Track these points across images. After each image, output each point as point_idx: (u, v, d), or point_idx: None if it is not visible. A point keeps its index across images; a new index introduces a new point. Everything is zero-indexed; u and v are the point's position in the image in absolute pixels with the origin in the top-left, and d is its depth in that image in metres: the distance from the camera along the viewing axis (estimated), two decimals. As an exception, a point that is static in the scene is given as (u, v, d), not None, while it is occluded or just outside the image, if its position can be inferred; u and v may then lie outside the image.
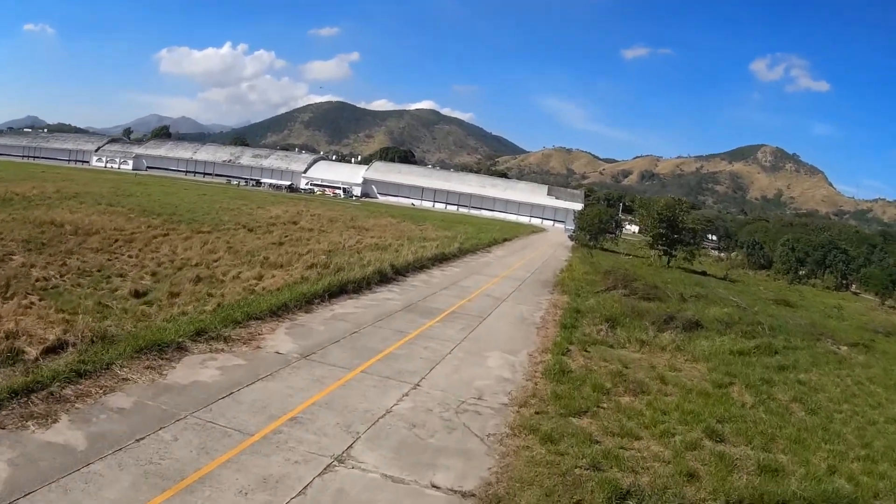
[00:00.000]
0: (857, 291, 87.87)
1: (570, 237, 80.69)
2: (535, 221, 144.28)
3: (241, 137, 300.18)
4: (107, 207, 46.11)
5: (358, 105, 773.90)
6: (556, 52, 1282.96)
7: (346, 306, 22.32)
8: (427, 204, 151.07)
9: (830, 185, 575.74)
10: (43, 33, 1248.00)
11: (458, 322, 22.14)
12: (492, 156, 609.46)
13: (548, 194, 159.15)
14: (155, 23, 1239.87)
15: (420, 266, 34.11)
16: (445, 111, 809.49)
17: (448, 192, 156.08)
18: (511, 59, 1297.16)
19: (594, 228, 75.60)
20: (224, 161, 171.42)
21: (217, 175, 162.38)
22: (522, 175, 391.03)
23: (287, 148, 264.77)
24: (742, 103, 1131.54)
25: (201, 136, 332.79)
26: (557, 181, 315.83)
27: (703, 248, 78.17)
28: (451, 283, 30.61)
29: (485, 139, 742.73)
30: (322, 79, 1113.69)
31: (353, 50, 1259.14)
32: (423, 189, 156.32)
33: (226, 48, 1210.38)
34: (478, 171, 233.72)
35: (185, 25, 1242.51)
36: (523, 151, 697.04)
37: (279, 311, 19.49)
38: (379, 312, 21.80)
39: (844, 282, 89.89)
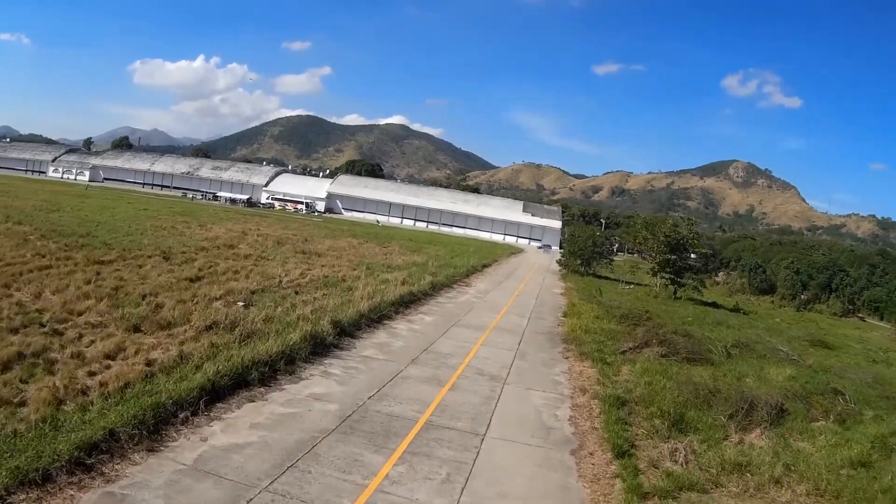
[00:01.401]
0: (863, 316, 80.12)
1: (558, 262, 70.90)
2: (510, 240, 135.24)
3: (209, 151, 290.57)
4: (9, 227, 37.53)
5: (329, 119, 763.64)
6: (528, 67, 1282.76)
7: (234, 426, 12.33)
8: (395, 220, 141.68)
9: (803, 200, 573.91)
10: (18, 43, 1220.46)
11: (435, 455, 12.18)
12: (461, 171, 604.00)
13: (523, 211, 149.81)
14: (130, 34, 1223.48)
15: (378, 317, 23.97)
16: (416, 126, 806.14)
17: (417, 208, 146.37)
18: (482, 74, 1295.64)
19: (587, 252, 66.16)
20: (182, 173, 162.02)
21: (175, 188, 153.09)
22: (492, 191, 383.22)
23: (255, 162, 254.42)
24: (714, 119, 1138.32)
25: (171, 149, 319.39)
26: (527, 197, 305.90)
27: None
28: (421, 350, 20.38)
29: (454, 154, 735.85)
30: (294, 93, 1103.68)
31: (324, 64, 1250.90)
32: (390, 204, 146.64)
33: (199, 61, 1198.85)
34: (447, 187, 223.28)
35: (160, 37, 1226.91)
36: (493, 167, 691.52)
37: (71, 467, 9.52)
38: (290, 444, 11.75)
39: (851, 307, 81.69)
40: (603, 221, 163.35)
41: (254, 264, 36.46)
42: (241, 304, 22.89)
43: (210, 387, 13.16)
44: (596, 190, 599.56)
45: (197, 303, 22.50)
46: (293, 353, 16.52)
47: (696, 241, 56.05)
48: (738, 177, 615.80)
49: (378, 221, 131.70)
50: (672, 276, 55.02)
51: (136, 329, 18.07)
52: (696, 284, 55.26)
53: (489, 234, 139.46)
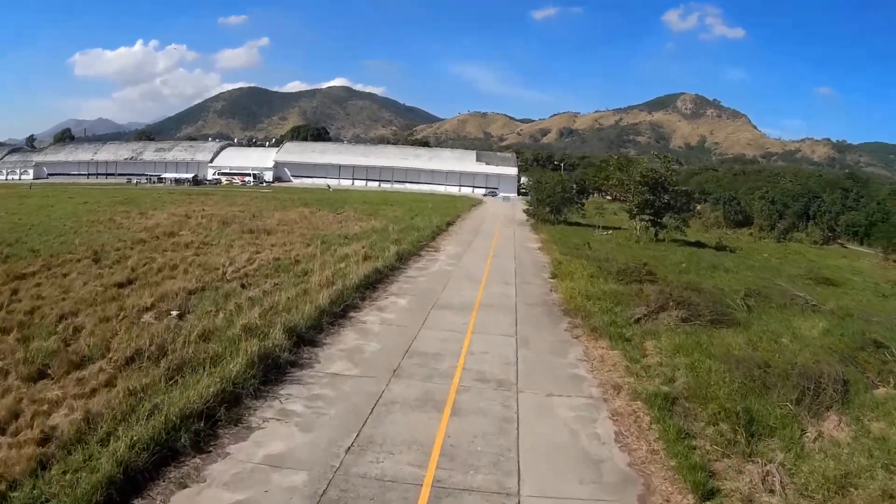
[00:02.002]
0: (843, 243, 78.03)
1: (525, 211, 66.66)
2: (466, 191, 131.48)
3: (154, 133, 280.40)
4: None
5: (271, 89, 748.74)
6: (465, 17, 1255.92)
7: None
8: (346, 182, 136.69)
9: (755, 127, 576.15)
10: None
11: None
12: (407, 126, 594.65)
13: (477, 161, 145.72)
14: (67, 26, 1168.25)
15: (342, 308, 19.62)
16: (358, 87, 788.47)
17: (368, 168, 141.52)
18: (420, 28, 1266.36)
19: (556, 199, 61.70)
20: (126, 159, 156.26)
21: (120, 174, 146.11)
22: (439, 143, 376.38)
23: (201, 139, 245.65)
24: (657, 55, 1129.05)
25: (117, 136, 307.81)
26: (475, 146, 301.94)
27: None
28: (402, 352, 16.04)
29: (399, 111, 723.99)
30: (234, 67, 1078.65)
31: (262, 35, 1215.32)
32: (339, 167, 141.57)
33: (137, 45, 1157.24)
34: (395, 143, 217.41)
35: (97, 27, 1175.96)
36: (439, 119, 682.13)
37: None
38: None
39: (831, 234, 79.28)
40: (560, 164, 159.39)
41: (195, 254, 32.29)
42: (174, 313, 18.58)
43: (121, 476, 8.80)
44: (544, 133, 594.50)
45: (123, 319, 18.38)
46: (238, 389, 12.16)
47: (673, 179, 52.44)
48: (686, 109, 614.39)
49: (329, 186, 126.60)
50: (652, 218, 51.49)
51: (42, 374, 14.02)
52: (678, 224, 51.81)
53: (444, 187, 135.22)
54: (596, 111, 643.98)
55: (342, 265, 27.00)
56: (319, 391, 13.11)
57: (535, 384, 14.21)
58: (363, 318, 19.36)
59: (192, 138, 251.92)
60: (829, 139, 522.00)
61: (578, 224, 60.40)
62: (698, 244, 53.39)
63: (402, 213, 63.46)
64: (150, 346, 14.47)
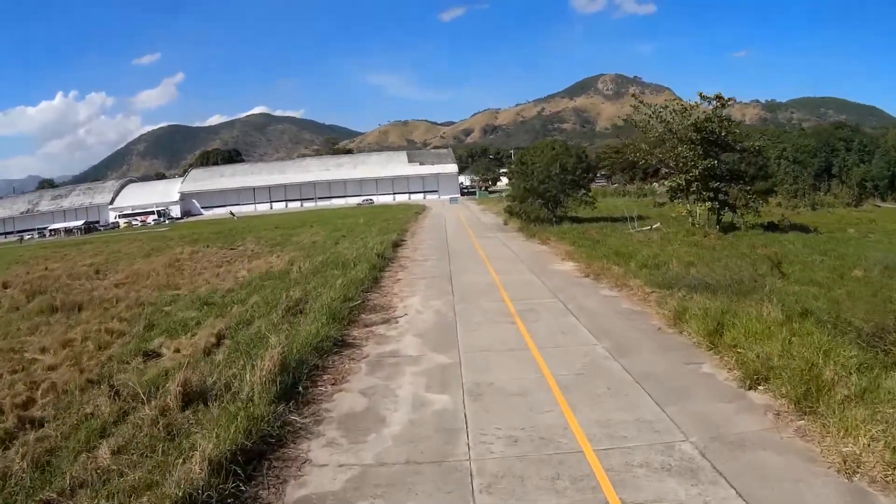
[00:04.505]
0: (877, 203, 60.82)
1: (506, 209, 44.95)
2: (402, 199, 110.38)
3: (77, 182, 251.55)
4: None
5: (192, 125, 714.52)
6: (374, 30, 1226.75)
7: None
8: (263, 207, 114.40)
9: (680, 99, 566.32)
10: None
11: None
12: (329, 143, 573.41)
13: (409, 162, 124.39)
14: None
15: None
16: (277, 112, 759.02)
17: (287, 187, 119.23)
18: (331, 47, 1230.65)
19: (553, 187, 38.56)
20: (22, 213, 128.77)
21: (16, 232, 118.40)
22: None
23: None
24: (571, 40, 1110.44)
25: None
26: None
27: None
28: None
29: (320, 130, 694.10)
30: (153, 107, 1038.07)
31: (176, 72, 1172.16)
32: (254, 190, 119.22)
33: (58, 98, 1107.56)
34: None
35: (16, 82, 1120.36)
36: (360, 134, 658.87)
37: None
38: None
39: (861, 192, 61.30)
40: (499, 155, 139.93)
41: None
42: None
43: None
44: (467, 133, 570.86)
45: None
46: None
47: (735, 132, 32.58)
48: (608, 90, 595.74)
49: (232, 213, 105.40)
50: (713, 195, 31.62)
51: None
52: (751, 202, 32.25)
53: (375, 197, 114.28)
54: (517, 104, 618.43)
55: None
56: None
57: None
58: None
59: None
60: (757, 100, 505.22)
61: (591, 220, 38.98)
62: (772, 226, 33.87)
63: (325, 236, 42.68)
64: None
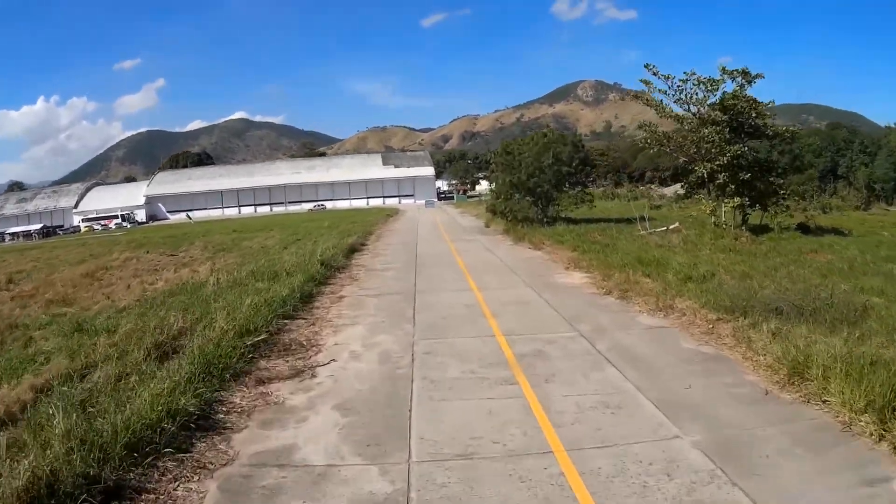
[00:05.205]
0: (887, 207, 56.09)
1: (488, 209, 38.44)
2: (377, 203, 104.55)
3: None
4: None
5: (172, 130, 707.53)
6: (355, 35, 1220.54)
7: None
8: (232, 211, 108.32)
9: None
10: None
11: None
12: (306, 147, 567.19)
13: (384, 164, 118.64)
14: None
15: None
16: (257, 118, 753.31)
17: (255, 191, 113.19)
18: (312, 52, 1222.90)
19: (545, 182, 31.99)
20: None
21: None
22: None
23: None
24: (552, 46, 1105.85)
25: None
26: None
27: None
28: None
29: (299, 136, 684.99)
30: (134, 113, 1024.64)
31: (157, 77, 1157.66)
32: (222, 193, 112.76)
33: (39, 103, 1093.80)
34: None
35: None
36: (339, 140, 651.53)
37: None
38: None
39: (870, 195, 56.37)
40: (477, 159, 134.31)
41: None
42: None
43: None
44: (446, 139, 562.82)
45: None
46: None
47: (767, 116, 26.65)
48: (587, 96, 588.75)
49: (189, 217, 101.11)
50: (741, 191, 25.77)
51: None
52: (783, 198, 26.91)
53: (348, 202, 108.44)
54: (496, 111, 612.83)
55: None
56: None
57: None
58: None
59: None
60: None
61: (587, 221, 33.08)
62: (804, 228, 28.25)
63: (278, 241, 36.79)
64: None
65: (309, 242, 28.43)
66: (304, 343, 10.51)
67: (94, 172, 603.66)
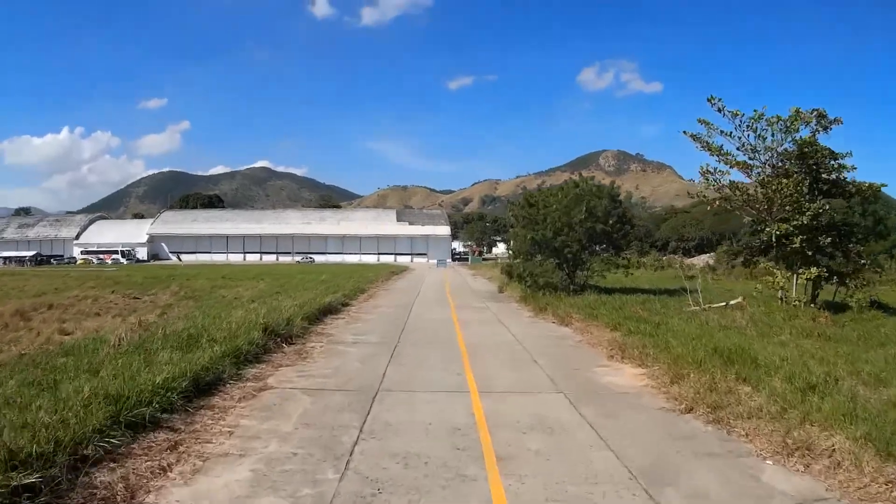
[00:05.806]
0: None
1: (505, 270, 32.42)
2: (388, 260, 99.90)
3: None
4: None
5: (194, 173, 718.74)
6: (382, 94, 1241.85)
7: None
8: (237, 257, 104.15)
9: (681, 177, 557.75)
10: None
11: None
12: (324, 200, 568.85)
13: (398, 221, 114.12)
14: None
15: None
16: (279, 168, 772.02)
17: (262, 238, 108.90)
18: (338, 108, 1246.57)
19: (575, 241, 25.83)
20: None
21: None
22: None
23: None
24: (576, 115, 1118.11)
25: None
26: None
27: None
28: None
29: (319, 189, 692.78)
30: (157, 153, 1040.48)
31: (182, 119, 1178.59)
32: (227, 238, 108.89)
33: (64, 133, 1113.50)
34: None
35: (24, 113, 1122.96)
36: (359, 196, 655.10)
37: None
38: None
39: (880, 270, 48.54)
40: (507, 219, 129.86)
41: None
42: None
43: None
44: (466, 202, 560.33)
45: None
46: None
47: (848, 167, 21.22)
48: (609, 166, 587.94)
49: (180, 259, 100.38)
50: (814, 260, 20.53)
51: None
52: (865, 270, 21.54)
53: (358, 256, 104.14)
54: (517, 176, 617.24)
55: None
56: None
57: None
58: None
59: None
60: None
61: (620, 290, 27.12)
62: (880, 306, 22.54)
63: (257, 292, 32.08)
64: None
65: (286, 297, 23.38)
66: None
67: (112, 208, 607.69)
